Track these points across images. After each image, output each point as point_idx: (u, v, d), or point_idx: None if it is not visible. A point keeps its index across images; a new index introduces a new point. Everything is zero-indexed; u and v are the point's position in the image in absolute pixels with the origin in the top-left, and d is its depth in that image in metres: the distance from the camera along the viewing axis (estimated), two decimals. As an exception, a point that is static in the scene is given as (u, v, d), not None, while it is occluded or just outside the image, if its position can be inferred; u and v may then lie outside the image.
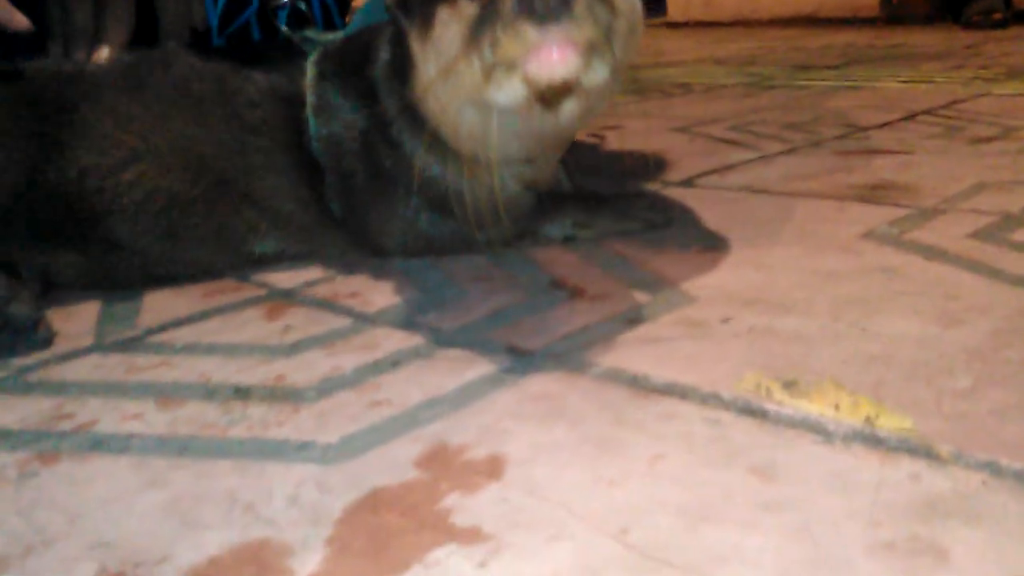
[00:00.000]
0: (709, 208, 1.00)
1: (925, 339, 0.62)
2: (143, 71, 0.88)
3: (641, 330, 0.66)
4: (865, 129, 1.46)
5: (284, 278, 0.84)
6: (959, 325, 0.64)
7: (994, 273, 0.75)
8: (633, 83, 2.30)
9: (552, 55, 0.62)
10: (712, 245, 0.87)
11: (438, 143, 0.79)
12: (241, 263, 0.87)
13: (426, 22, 0.72)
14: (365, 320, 0.72)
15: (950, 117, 1.56)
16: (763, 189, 1.09)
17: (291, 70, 0.88)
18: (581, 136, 1.45)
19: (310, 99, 0.86)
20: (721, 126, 1.59)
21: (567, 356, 0.63)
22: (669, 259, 0.83)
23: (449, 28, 0.69)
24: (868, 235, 0.88)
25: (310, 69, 0.87)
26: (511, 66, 0.65)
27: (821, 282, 0.75)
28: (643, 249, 0.86)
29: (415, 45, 0.75)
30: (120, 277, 0.84)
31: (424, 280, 0.81)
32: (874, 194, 1.04)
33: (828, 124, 1.52)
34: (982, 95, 1.80)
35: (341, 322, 0.72)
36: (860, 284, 0.74)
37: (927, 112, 1.62)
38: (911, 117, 1.58)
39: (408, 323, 0.71)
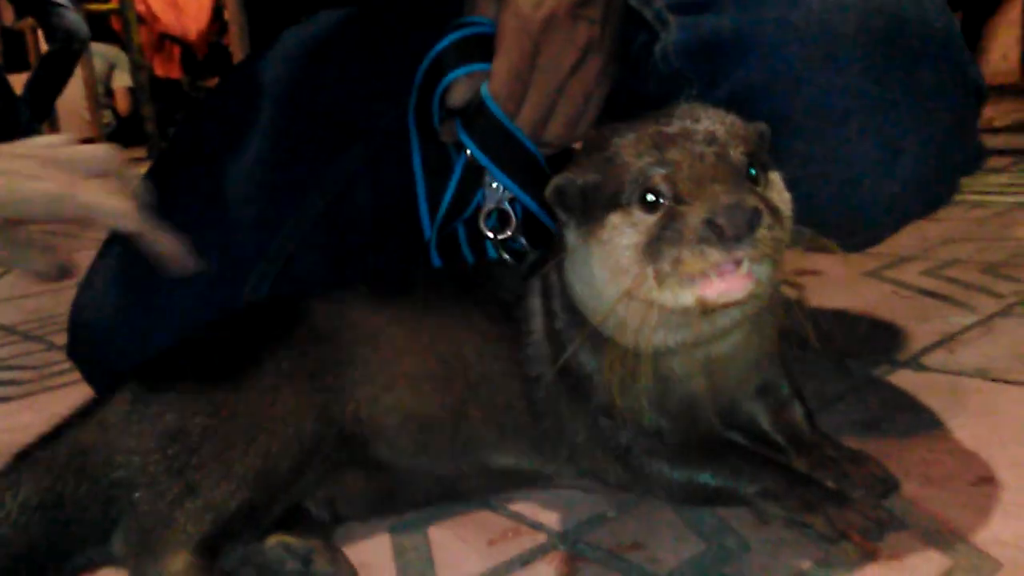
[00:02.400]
0: (953, 405, 0.98)
1: None
2: (393, 292, 0.93)
3: (962, 617, 0.66)
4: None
5: (553, 518, 0.86)
6: None
7: None
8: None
9: (733, 280, 0.68)
10: (981, 472, 0.85)
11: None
12: (485, 482, 0.90)
13: (592, 221, 0.75)
14: (663, 586, 0.74)
15: None
16: (1002, 376, 1.06)
17: (513, 280, 0.92)
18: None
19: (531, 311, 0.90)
20: (912, 269, 1.56)
21: (898, 657, 0.62)
22: (943, 494, 0.82)
23: (621, 234, 0.73)
24: None
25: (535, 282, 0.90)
26: (688, 279, 0.69)
27: None
28: (911, 477, 0.85)
29: (573, 236, 0.79)
30: (394, 502, 0.88)
31: (695, 520, 0.82)
32: None
33: (1031, 267, 1.48)
34: None
35: (640, 588, 0.74)
36: None
37: None
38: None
39: (711, 595, 0.72)
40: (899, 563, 0.73)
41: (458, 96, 0.99)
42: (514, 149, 0.97)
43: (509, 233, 0.99)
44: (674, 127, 0.74)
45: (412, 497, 0.90)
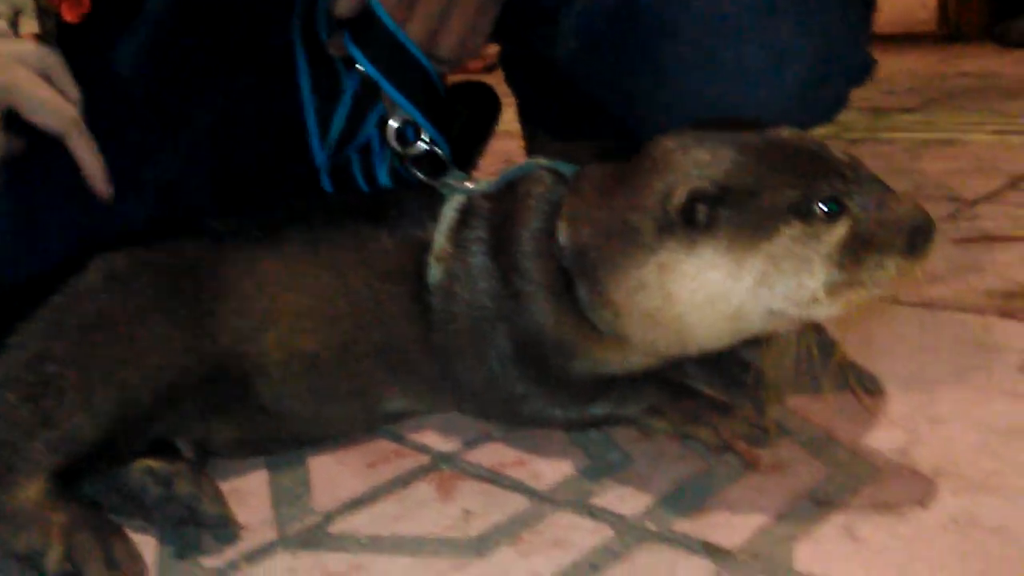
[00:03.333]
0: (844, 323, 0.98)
1: None
2: (280, 223, 0.88)
3: (836, 519, 0.65)
4: (972, 203, 1.43)
5: (438, 439, 0.84)
6: None
7: None
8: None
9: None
10: (871, 387, 0.85)
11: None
12: (373, 425, 0.87)
13: (756, 230, 0.67)
14: (542, 500, 0.72)
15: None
16: (896, 297, 1.06)
17: (422, 215, 0.87)
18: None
19: (440, 245, 0.85)
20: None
21: (771, 558, 0.62)
22: (833, 408, 0.82)
23: (803, 244, 0.67)
24: (1026, 369, 0.86)
25: (449, 214, 0.86)
26: (862, 285, 0.67)
27: (1003, 445, 0.73)
28: (801, 392, 0.85)
29: (709, 250, 0.68)
30: (273, 443, 0.85)
31: (581, 437, 0.81)
32: (1012, 306, 1.02)
33: (932, 197, 1.49)
34: (1083, 151, 1.76)
35: (518, 503, 0.72)
36: (1047, 448, 0.72)
37: (1031, 177, 1.59)
38: (1014, 184, 1.55)
39: (588, 506, 0.70)
40: (779, 471, 0.73)
41: (345, 6, 0.94)
42: (405, 62, 0.93)
43: (421, 148, 0.93)
44: (784, 135, 0.71)
45: (294, 441, 0.86)
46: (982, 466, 0.70)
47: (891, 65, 3.39)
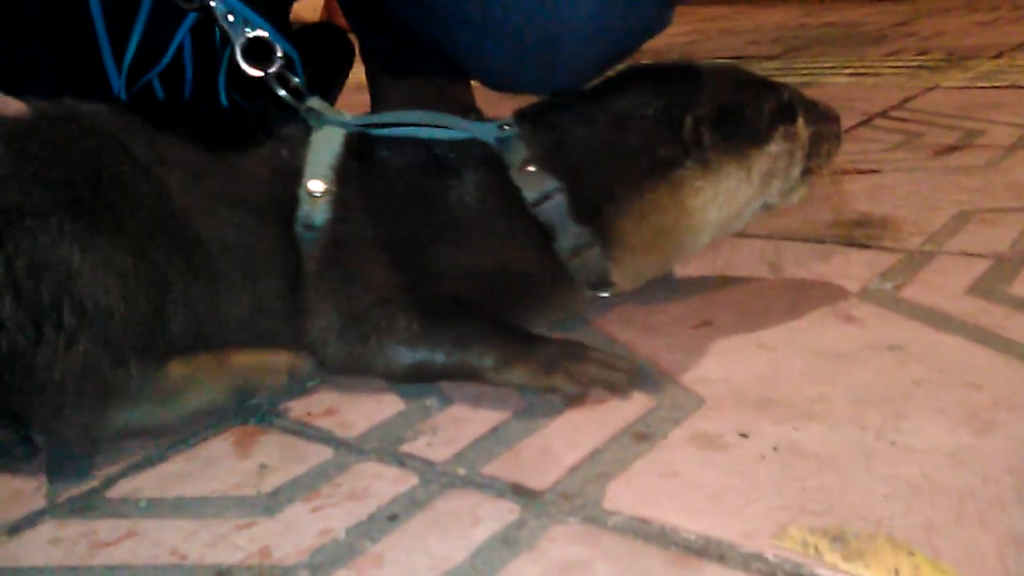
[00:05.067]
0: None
1: (961, 453, 0.58)
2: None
3: (654, 454, 0.61)
4: (825, 141, 1.42)
5: (247, 390, 0.77)
6: (991, 430, 0.60)
7: (1006, 346, 0.72)
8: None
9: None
10: (706, 318, 0.82)
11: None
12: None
13: (758, 138, 0.78)
14: (348, 450, 0.66)
15: (905, 120, 1.54)
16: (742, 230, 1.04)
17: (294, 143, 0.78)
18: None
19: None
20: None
21: (581, 497, 0.57)
22: (664, 341, 0.78)
23: (790, 142, 0.79)
24: (863, 295, 0.84)
25: (334, 144, 0.77)
26: (819, 168, 0.82)
27: (831, 370, 0.70)
28: (633, 325, 0.81)
29: (721, 160, 0.77)
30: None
31: (401, 384, 0.75)
32: (855, 235, 1.00)
33: (786, 136, 1.48)
34: (931, 89, 1.79)
35: (321, 454, 0.66)
36: (872, 371, 0.69)
37: (882, 115, 1.60)
38: (867, 121, 1.56)
39: (396, 455, 0.64)
40: (602, 406, 0.68)
41: None
42: None
43: (277, 68, 0.81)
44: (724, 65, 0.84)
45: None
46: (806, 392, 0.67)
47: (759, 18, 3.43)
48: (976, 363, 0.69)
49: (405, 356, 0.73)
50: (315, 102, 0.80)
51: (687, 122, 0.76)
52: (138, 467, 0.67)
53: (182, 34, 0.89)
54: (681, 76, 0.80)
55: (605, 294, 0.81)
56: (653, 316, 0.83)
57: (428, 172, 0.78)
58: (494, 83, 0.96)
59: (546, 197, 0.76)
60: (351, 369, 0.75)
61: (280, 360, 0.73)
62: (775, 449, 0.60)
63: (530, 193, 0.76)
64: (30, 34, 0.95)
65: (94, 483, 0.65)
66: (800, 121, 0.79)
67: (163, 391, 0.68)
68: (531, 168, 0.77)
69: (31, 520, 0.62)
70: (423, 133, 0.79)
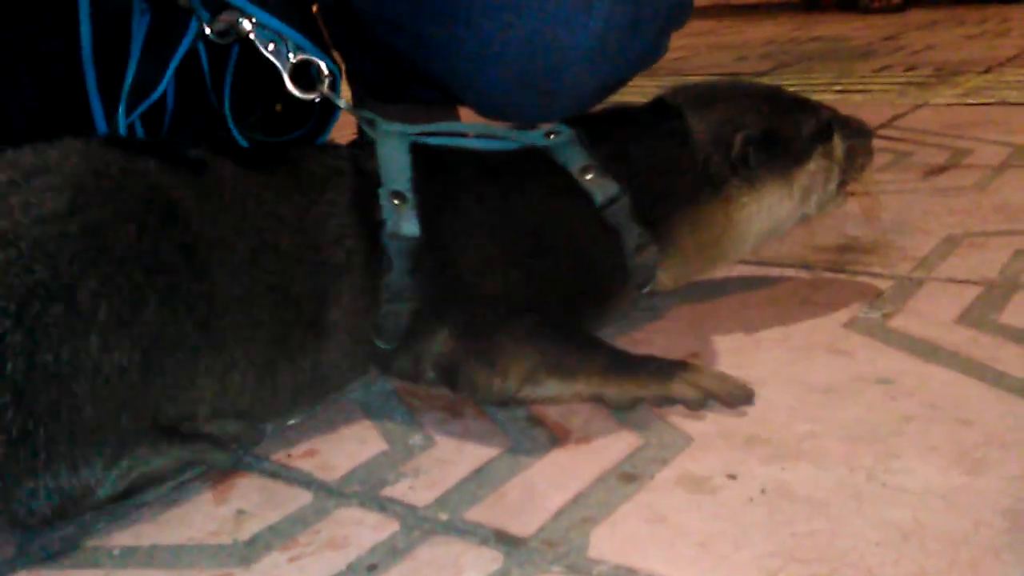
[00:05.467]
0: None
1: (953, 495, 0.56)
2: None
3: (640, 497, 0.60)
4: (813, 161, 1.41)
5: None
6: (983, 469, 0.59)
7: (997, 379, 0.70)
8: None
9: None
10: (693, 350, 0.81)
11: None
12: None
13: (799, 157, 0.85)
14: (328, 494, 0.64)
15: (895, 138, 1.54)
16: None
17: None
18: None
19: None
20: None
21: (565, 544, 0.56)
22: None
23: (827, 159, 0.86)
24: (852, 325, 0.83)
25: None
26: (854, 179, 0.89)
27: (821, 405, 0.69)
28: (619, 360, 0.80)
29: (769, 179, 0.84)
30: None
31: (385, 421, 0.74)
32: (844, 261, 0.99)
33: (775, 156, 1.47)
34: (920, 106, 1.78)
35: (300, 499, 0.64)
36: (863, 406, 0.68)
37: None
38: (856, 141, 1.55)
39: (377, 499, 0.63)
40: (587, 445, 0.67)
41: None
42: None
43: (324, 90, 0.81)
44: (768, 87, 0.91)
45: None
46: (795, 429, 0.66)
47: (748, 33, 3.43)
48: (967, 397, 0.68)
49: (540, 391, 0.72)
50: (370, 115, 0.80)
51: (736, 144, 0.82)
52: (112, 513, 0.65)
53: (174, 65, 0.88)
54: (729, 98, 0.86)
55: (646, 290, 0.86)
56: (639, 348, 0.81)
57: (501, 177, 0.80)
58: (490, 111, 0.95)
59: (612, 200, 0.79)
60: (447, 387, 0.75)
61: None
62: (763, 491, 0.59)
63: (599, 196, 0.79)
64: (13, 63, 0.94)
65: (67, 531, 0.63)
66: (836, 139, 0.86)
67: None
68: (590, 175, 0.80)
69: (2, 570, 0.60)
70: (474, 143, 0.81)
